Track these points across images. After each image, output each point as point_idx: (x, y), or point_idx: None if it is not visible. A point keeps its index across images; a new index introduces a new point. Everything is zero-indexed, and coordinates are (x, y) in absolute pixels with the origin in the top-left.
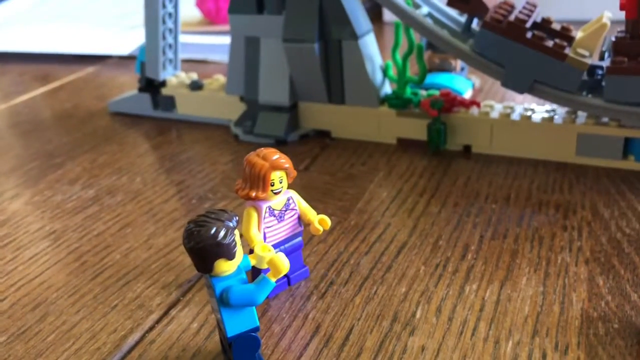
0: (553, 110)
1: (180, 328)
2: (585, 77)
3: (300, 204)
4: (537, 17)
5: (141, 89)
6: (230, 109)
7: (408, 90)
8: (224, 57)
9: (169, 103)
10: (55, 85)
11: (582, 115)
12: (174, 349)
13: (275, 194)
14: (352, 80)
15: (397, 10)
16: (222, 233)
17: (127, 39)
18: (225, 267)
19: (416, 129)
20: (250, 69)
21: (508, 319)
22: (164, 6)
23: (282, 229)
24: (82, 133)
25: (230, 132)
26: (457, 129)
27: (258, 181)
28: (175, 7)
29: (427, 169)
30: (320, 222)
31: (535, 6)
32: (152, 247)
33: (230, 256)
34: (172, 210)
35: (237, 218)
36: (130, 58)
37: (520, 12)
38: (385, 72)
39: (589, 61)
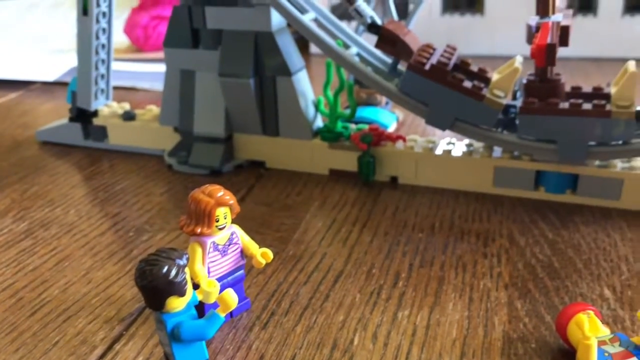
0: (471, 145)
1: None
2: (500, 115)
3: (243, 238)
4: (456, 59)
5: (72, 119)
6: (164, 140)
7: (339, 125)
8: (152, 85)
9: (101, 133)
10: None
11: (498, 150)
12: None
13: (220, 229)
14: (286, 114)
15: (329, 51)
16: (173, 271)
17: (51, 64)
18: (176, 304)
19: (347, 160)
20: (185, 100)
21: (438, 342)
22: (97, 37)
23: (225, 263)
24: (8, 163)
25: (164, 162)
26: (385, 161)
27: (203, 217)
28: (109, 38)
29: (359, 199)
30: (262, 255)
31: (454, 49)
32: (91, 282)
33: (181, 293)
34: (109, 243)
35: (187, 256)
36: (55, 84)
37: (441, 55)
38: (317, 106)
39: (504, 101)
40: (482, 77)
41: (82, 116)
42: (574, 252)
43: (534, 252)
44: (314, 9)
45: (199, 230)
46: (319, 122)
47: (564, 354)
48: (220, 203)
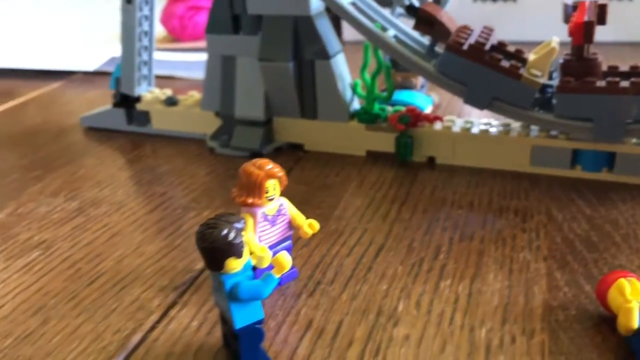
0: (508, 125)
1: (181, 326)
2: (537, 94)
3: (291, 210)
4: (493, 40)
5: (115, 104)
6: (205, 124)
7: (376, 107)
8: (190, 74)
9: (144, 118)
10: (21, 100)
11: (535, 129)
12: (177, 345)
13: (269, 200)
14: (324, 97)
15: (368, 33)
16: (232, 234)
17: (92, 54)
18: (235, 265)
19: (384, 142)
20: (227, 85)
21: (480, 309)
22: (140, 24)
23: (274, 233)
24: (56, 147)
25: (205, 146)
26: (422, 142)
27: (254, 189)
28: (151, 25)
29: (396, 179)
30: (309, 225)
31: (491, 30)
32: (143, 254)
33: (239, 255)
34: (158, 219)
35: (243, 220)
36: (95, 74)
37: (479, 35)
38: (354, 89)
39: (541, 80)
40: (518, 57)
41: (126, 102)
42: (611, 227)
43: (571, 227)
44: None
45: (250, 200)
46: (356, 105)
47: (604, 320)
48: (270, 175)
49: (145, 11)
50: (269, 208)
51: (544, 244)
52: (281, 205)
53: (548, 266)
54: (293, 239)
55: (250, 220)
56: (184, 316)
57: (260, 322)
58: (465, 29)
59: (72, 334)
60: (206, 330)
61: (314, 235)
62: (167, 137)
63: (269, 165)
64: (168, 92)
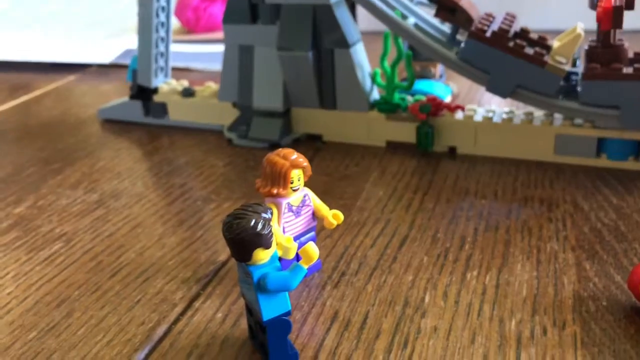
0: (531, 113)
1: (206, 318)
2: (562, 82)
3: (315, 201)
4: (516, 27)
5: (132, 96)
6: (223, 115)
7: (396, 96)
8: (205, 65)
9: (161, 110)
10: (38, 94)
11: (558, 118)
12: (202, 337)
13: (294, 191)
14: (344, 87)
15: (389, 21)
16: (260, 224)
17: (106, 47)
18: (263, 256)
19: (404, 132)
20: (244, 76)
21: (509, 300)
22: (157, 15)
23: (299, 223)
24: (75, 139)
25: (223, 137)
26: (443, 132)
27: (279, 179)
28: (168, 16)
29: (418, 169)
30: (334, 216)
31: (514, 17)
32: (165, 246)
33: (267, 245)
34: (178, 211)
35: (271, 210)
36: (110, 66)
37: (502, 22)
38: (373, 78)
39: (566, 68)
40: (542, 44)
41: (143, 94)
42: (639, 216)
43: (599, 217)
44: None
45: (275, 191)
46: (376, 95)
47: (637, 311)
48: (295, 165)
49: (162, 2)
50: (294, 199)
51: (571, 234)
52: (305, 195)
53: (576, 256)
54: (316, 230)
55: (275, 211)
56: (208, 308)
57: (287, 313)
58: (487, 16)
59: (97, 326)
60: (231, 322)
61: (337, 226)
62: (184, 128)
63: (294, 155)
64: (185, 83)
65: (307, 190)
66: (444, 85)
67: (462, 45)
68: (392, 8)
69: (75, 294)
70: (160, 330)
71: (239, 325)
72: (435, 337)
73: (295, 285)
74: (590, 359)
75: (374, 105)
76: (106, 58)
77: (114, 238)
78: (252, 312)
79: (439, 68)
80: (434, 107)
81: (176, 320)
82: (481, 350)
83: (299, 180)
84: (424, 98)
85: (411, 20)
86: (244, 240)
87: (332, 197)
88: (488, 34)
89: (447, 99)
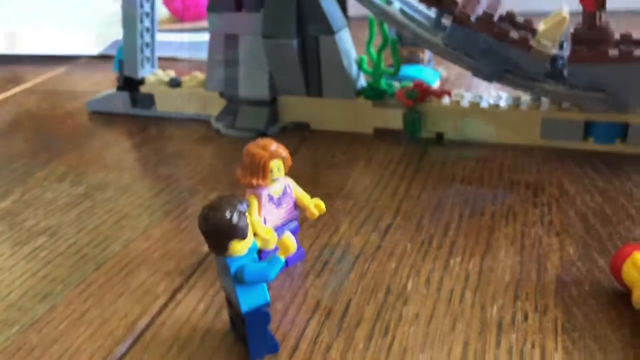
0: (518, 98)
1: (188, 310)
2: (548, 66)
3: (296, 191)
4: (501, 11)
5: (119, 88)
6: (210, 105)
7: (383, 82)
8: (192, 54)
9: (148, 101)
10: (28, 85)
11: (545, 102)
12: (184, 329)
13: (274, 181)
14: (330, 74)
15: (373, 7)
16: (235, 216)
17: (95, 38)
18: (239, 248)
19: (391, 118)
20: (230, 65)
21: (491, 287)
22: (141, 6)
23: (280, 214)
24: (63, 132)
25: (210, 127)
26: (430, 117)
27: (258, 169)
28: (152, 6)
29: (405, 156)
30: (315, 206)
31: (498, 1)
32: (149, 238)
33: (243, 236)
34: (164, 202)
35: (247, 202)
36: (99, 58)
37: (487, 7)
38: (359, 65)
39: (552, 51)
40: (528, 28)
41: (130, 85)
42: (626, 199)
43: (584, 200)
44: None
45: (254, 182)
46: (362, 82)
47: (619, 295)
48: (274, 155)
49: None
50: (275, 189)
51: (556, 218)
52: (286, 186)
53: (561, 241)
54: (299, 220)
55: (254, 202)
56: (191, 299)
57: (266, 305)
58: (472, 0)
59: (79, 320)
60: (213, 313)
61: (320, 215)
62: (172, 119)
63: (273, 145)
64: (171, 73)
65: (289, 180)
66: (432, 70)
67: (447, 30)
68: None
69: (58, 287)
70: (142, 323)
71: (221, 317)
72: (416, 324)
73: (273, 277)
74: (570, 344)
75: (360, 92)
76: (95, 49)
77: (99, 231)
78: (231, 304)
79: (427, 53)
80: (420, 92)
81: (159, 313)
82: (462, 336)
83: (278, 171)
84: (410, 84)
85: (396, 5)
86: (219, 232)
87: (318, 186)
88: (473, 19)
89: (436, 84)
